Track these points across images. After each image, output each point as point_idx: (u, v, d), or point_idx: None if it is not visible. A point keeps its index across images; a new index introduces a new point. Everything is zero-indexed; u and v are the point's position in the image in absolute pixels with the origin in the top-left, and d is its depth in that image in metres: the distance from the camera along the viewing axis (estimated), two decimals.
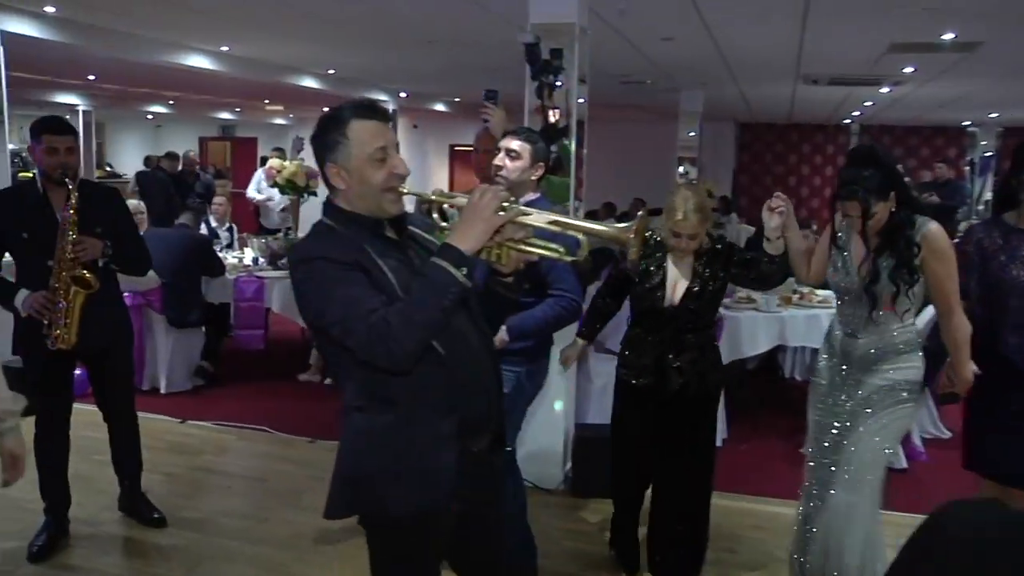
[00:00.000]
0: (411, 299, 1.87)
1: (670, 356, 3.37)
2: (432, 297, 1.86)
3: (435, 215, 2.09)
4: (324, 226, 2.06)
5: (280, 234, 7.47)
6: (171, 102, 16.00)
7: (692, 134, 12.06)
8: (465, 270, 1.87)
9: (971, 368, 3.05)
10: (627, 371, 3.49)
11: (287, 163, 7.15)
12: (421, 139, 18.05)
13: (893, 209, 2.97)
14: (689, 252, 3.37)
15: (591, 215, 9.49)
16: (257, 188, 9.59)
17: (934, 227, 2.98)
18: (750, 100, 12.47)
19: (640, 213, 2.00)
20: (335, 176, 2.03)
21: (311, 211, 9.82)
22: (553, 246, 2.00)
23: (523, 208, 1.97)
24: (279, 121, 19.30)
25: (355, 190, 2.02)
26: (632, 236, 1.95)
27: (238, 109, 17.82)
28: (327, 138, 2.02)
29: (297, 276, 1.96)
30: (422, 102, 14.48)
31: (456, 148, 18.75)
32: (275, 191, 8.56)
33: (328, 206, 2.09)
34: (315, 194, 7.41)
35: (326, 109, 2.10)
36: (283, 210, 9.14)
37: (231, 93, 14.02)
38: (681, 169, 12.16)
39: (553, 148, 4.55)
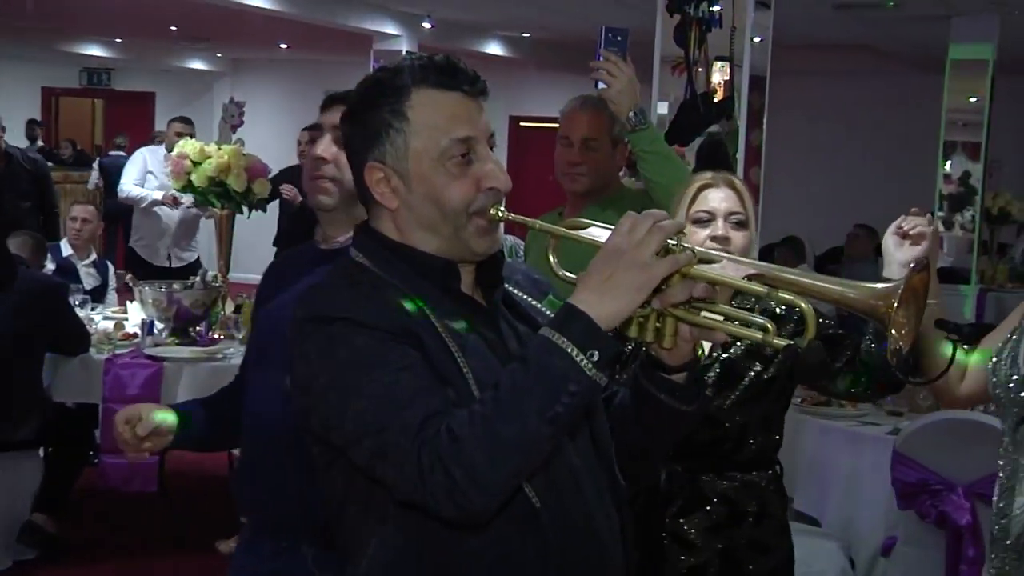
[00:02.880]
0: (497, 399, 1.95)
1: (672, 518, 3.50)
2: (535, 399, 1.93)
3: (552, 260, 2.22)
4: (353, 265, 2.20)
5: (196, 278, 7.52)
6: None
7: (974, 100, 12.00)
8: (596, 355, 1.94)
9: None
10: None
11: (212, 147, 7.27)
12: None
13: None
14: None
15: (765, 255, 9.55)
16: (140, 183, 9.86)
17: None
18: None
19: (913, 266, 2.12)
20: (380, 185, 2.18)
21: (254, 230, 9.90)
22: (757, 320, 2.09)
23: (704, 251, 2.09)
24: (197, 66, 19.77)
25: (415, 211, 2.17)
26: (897, 306, 2.04)
27: (119, 40, 18.24)
28: (370, 118, 2.17)
29: (301, 348, 2.10)
30: (460, 40, 14.65)
31: (523, 123, 18.98)
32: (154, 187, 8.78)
33: (364, 233, 2.25)
34: (263, 208, 7.51)
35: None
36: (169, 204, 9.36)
37: (105, 12, 14.30)
38: (948, 165, 12.09)
39: (709, 132, 4.66)
